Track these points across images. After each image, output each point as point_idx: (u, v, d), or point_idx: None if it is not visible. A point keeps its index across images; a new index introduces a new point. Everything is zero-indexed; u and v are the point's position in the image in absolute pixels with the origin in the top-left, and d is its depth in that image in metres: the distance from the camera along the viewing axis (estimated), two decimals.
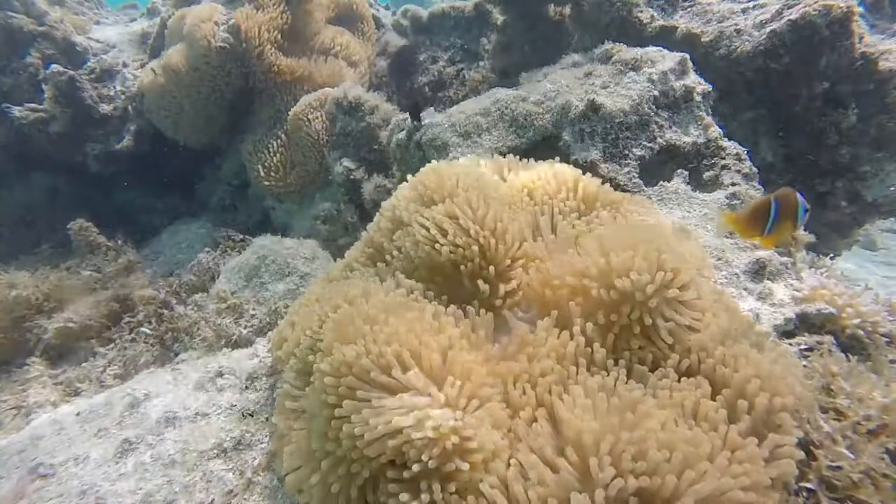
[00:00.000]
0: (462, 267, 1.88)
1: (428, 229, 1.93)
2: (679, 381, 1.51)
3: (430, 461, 1.38)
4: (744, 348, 1.55)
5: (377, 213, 2.34)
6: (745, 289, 2.23)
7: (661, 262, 1.62)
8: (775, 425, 1.37)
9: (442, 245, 1.88)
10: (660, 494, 1.21)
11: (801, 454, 1.35)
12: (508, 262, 1.90)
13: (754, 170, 2.95)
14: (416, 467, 1.40)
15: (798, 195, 1.68)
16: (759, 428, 1.37)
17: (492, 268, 1.86)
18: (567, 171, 2.31)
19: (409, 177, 2.25)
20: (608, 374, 1.56)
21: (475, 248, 1.86)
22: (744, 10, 3.66)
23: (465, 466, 1.39)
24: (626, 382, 1.52)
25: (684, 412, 1.40)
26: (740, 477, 1.23)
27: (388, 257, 2.14)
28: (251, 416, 2.09)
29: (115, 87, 5.34)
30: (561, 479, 1.30)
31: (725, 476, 1.22)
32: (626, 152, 2.91)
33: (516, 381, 1.60)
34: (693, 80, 3.16)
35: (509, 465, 1.42)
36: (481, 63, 5.38)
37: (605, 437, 1.29)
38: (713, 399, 1.44)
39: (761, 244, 1.98)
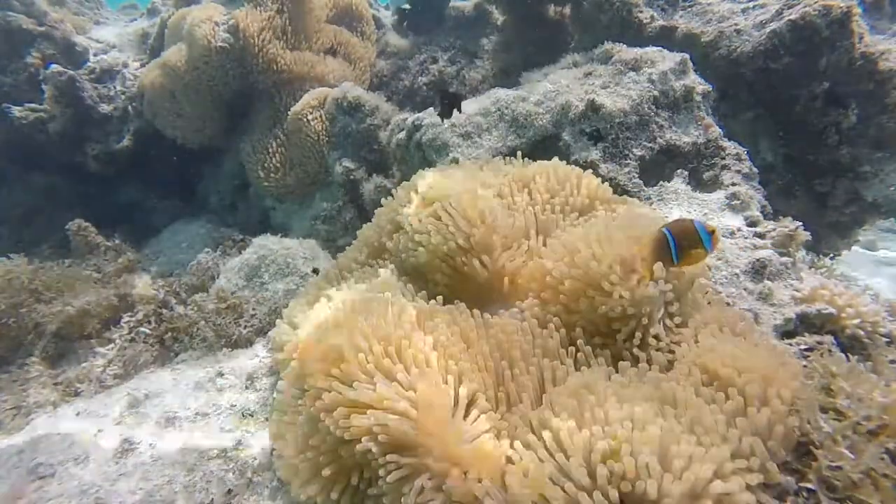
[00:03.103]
0: (451, 265, 1.90)
1: (419, 230, 1.95)
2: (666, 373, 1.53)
3: (391, 476, 1.39)
4: (736, 343, 1.56)
5: (375, 215, 2.35)
6: (746, 289, 2.23)
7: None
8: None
9: (427, 244, 1.90)
10: (647, 496, 1.22)
11: (796, 435, 1.36)
12: (503, 260, 1.90)
13: (754, 170, 2.95)
14: (381, 483, 1.42)
15: (693, 223, 1.67)
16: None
17: (484, 259, 1.87)
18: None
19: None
20: (591, 367, 1.59)
21: (456, 243, 1.88)
22: (744, 10, 3.66)
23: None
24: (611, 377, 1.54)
25: (673, 403, 1.41)
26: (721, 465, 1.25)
27: (386, 255, 2.15)
28: (251, 416, 2.09)
29: (115, 87, 5.34)
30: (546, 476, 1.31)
31: (706, 465, 1.23)
32: (626, 152, 2.91)
33: (505, 375, 1.61)
34: (693, 80, 3.16)
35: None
36: (481, 63, 5.37)
37: (579, 433, 1.32)
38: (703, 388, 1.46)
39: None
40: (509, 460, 1.41)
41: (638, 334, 1.64)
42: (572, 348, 1.68)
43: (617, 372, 1.59)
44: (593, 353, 1.67)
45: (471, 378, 1.56)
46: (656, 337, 1.66)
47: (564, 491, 1.24)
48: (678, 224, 1.69)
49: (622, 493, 1.22)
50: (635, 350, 1.64)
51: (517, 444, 1.43)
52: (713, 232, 1.67)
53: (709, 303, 1.87)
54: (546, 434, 1.38)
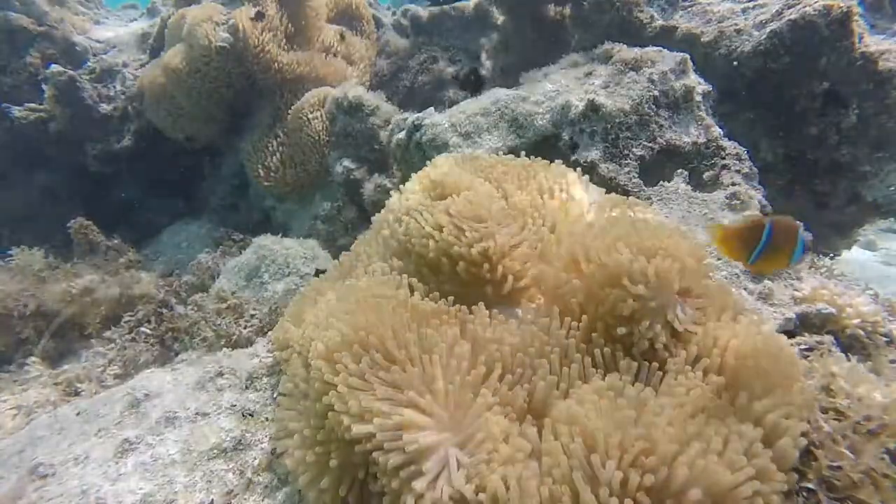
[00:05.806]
0: (462, 264, 1.88)
1: (431, 227, 1.94)
2: (685, 377, 1.51)
3: (395, 481, 1.37)
4: (750, 344, 1.55)
5: (384, 210, 2.32)
6: (746, 289, 2.23)
7: (666, 264, 1.62)
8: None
9: (437, 242, 1.89)
10: (667, 487, 1.21)
11: (804, 441, 1.36)
12: (515, 263, 1.89)
13: (754, 170, 2.95)
14: (386, 481, 1.40)
15: (801, 227, 1.45)
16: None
17: (497, 267, 1.86)
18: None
19: (412, 176, 2.25)
20: (610, 372, 1.57)
21: (473, 244, 1.87)
22: (744, 10, 3.66)
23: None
24: (634, 381, 1.53)
25: (694, 408, 1.40)
26: (746, 469, 1.24)
27: (394, 252, 2.13)
28: (251, 415, 2.09)
29: (115, 87, 5.34)
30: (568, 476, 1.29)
31: (732, 469, 1.23)
32: (626, 152, 2.91)
33: (526, 375, 1.60)
34: (693, 80, 3.16)
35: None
36: (481, 63, 5.38)
37: (613, 434, 1.29)
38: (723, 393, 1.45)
39: (746, 268, 1.83)
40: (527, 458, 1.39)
41: (654, 330, 1.61)
42: (588, 347, 1.65)
43: (637, 375, 1.56)
44: (612, 353, 1.64)
45: (486, 384, 1.54)
46: (672, 335, 1.62)
47: (595, 495, 1.23)
48: (784, 222, 1.48)
49: (651, 493, 1.21)
50: (657, 348, 1.60)
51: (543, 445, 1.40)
52: (808, 249, 1.47)
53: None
54: (576, 429, 1.35)
